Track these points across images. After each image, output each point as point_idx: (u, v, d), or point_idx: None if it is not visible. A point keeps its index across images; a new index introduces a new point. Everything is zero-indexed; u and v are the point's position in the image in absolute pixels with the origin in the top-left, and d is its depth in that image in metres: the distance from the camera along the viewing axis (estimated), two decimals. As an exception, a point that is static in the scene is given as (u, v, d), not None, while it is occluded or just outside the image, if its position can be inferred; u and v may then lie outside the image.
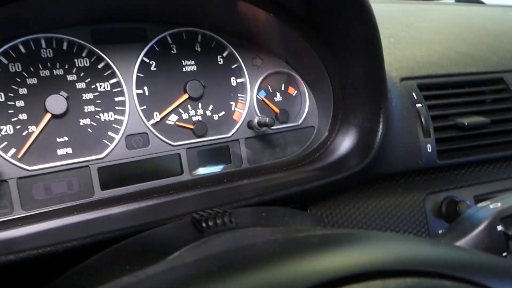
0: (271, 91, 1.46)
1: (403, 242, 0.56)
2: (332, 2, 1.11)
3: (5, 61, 1.12)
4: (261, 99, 1.44)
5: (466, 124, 1.42)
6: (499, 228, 0.92)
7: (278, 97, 1.47)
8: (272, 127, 1.41)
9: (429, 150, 1.40)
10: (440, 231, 1.46)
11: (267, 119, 1.33)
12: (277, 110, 1.45)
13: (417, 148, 1.39)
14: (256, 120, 1.37)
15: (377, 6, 1.14)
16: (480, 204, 1.04)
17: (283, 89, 1.48)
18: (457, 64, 1.57)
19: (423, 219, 1.45)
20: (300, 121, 1.49)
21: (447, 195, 1.49)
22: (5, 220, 1.08)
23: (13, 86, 1.13)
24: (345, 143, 1.39)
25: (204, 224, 0.74)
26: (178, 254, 0.64)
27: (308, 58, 1.36)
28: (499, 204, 0.98)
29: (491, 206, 0.99)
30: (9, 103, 1.12)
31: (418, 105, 1.41)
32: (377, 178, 1.41)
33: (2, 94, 1.12)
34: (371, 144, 1.29)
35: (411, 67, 1.50)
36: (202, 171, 1.34)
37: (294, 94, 1.50)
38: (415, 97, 1.42)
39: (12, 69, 1.13)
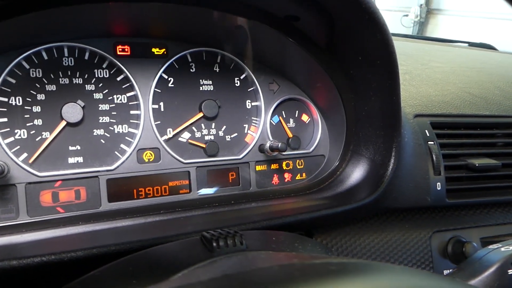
0: (284, 116, 1.46)
1: (420, 277, 0.55)
2: (356, 37, 1.12)
3: (27, 66, 1.13)
4: (274, 124, 1.44)
5: (476, 165, 1.41)
6: (510, 272, 0.91)
7: (291, 123, 1.48)
8: (283, 153, 1.41)
9: (439, 188, 1.39)
10: (445, 271, 1.44)
11: (280, 144, 1.34)
12: (290, 135, 1.45)
13: (426, 185, 1.38)
14: (268, 144, 1.37)
15: (395, 43, 1.15)
16: (490, 246, 1.02)
17: (296, 115, 1.49)
18: (471, 105, 1.58)
19: (429, 257, 1.43)
20: (311, 149, 1.49)
21: (453, 235, 1.47)
22: (10, 225, 1.08)
23: (31, 91, 1.14)
24: (355, 174, 1.38)
25: (214, 244, 0.73)
26: (188, 271, 0.63)
27: (325, 87, 1.37)
28: (510, 248, 0.97)
29: (502, 249, 0.98)
30: (26, 107, 1.13)
31: (430, 142, 1.41)
32: (385, 211, 1.40)
33: (20, 98, 1.12)
34: (381, 178, 1.29)
35: (425, 104, 1.51)
36: (211, 191, 1.33)
37: (307, 122, 1.50)
38: (428, 135, 1.42)
39: (32, 74, 1.14)
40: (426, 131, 1.43)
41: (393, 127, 1.27)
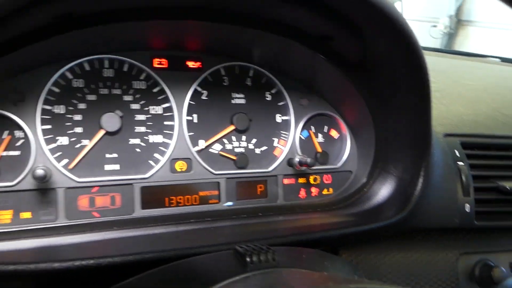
0: (313, 131, 1.48)
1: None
2: (389, 58, 1.14)
3: (70, 76, 1.19)
4: (303, 138, 1.46)
5: (508, 188, 1.40)
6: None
7: (320, 138, 1.50)
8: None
9: (467, 210, 1.38)
10: (471, 295, 1.43)
11: (309, 160, 1.36)
12: (319, 150, 1.47)
13: (455, 206, 1.37)
14: (297, 159, 1.39)
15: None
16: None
17: (325, 130, 1.50)
18: (503, 126, 1.56)
19: (455, 279, 1.42)
20: (338, 164, 1.50)
21: (481, 258, 1.46)
22: (50, 227, 1.13)
23: (73, 101, 1.19)
24: (382, 191, 1.39)
25: (248, 259, 0.75)
26: (223, 285, 0.66)
27: (355, 104, 1.39)
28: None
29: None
30: (68, 116, 1.18)
31: (460, 163, 1.40)
32: (411, 231, 1.40)
33: (63, 107, 1.18)
34: (409, 197, 1.29)
35: (455, 124, 1.51)
36: (239, 202, 1.36)
37: (335, 137, 1.52)
38: (458, 155, 1.42)
39: (75, 84, 1.19)
40: (456, 151, 1.43)
41: (423, 146, 1.27)
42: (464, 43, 7.32)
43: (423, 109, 1.20)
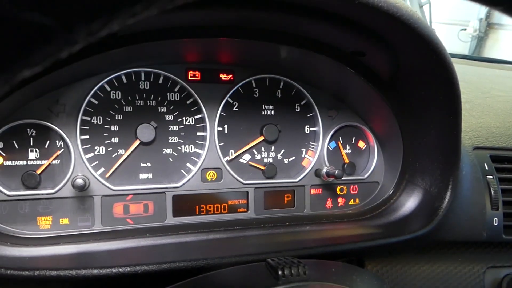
0: (341, 142, 1.50)
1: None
2: (421, 74, 1.15)
3: (108, 89, 1.24)
4: (331, 149, 1.48)
5: (537, 202, 1.39)
6: None
7: (347, 149, 1.51)
8: (339, 178, 1.45)
9: (496, 224, 1.38)
10: (498, 310, 1.42)
11: (337, 171, 1.38)
12: (347, 160, 1.49)
13: (483, 219, 1.37)
14: (324, 170, 1.42)
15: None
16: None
17: (353, 142, 1.52)
18: (534, 140, 1.54)
19: (481, 293, 1.42)
20: (365, 175, 1.52)
21: (509, 272, 1.45)
22: (86, 233, 1.18)
23: (111, 112, 1.24)
24: (409, 204, 1.40)
25: (280, 272, 0.78)
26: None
27: (384, 116, 1.40)
28: None
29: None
30: (105, 126, 1.24)
31: (489, 176, 1.40)
32: (438, 243, 1.40)
33: (101, 118, 1.23)
34: (436, 210, 1.29)
35: (485, 136, 1.50)
36: (267, 211, 1.39)
37: (363, 148, 1.53)
38: (487, 168, 1.41)
39: (113, 96, 1.25)
40: (485, 164, 1.42)
41: (452, 160, 1.27)
42: (495, 46, 7.16)
43: (453, 123, 1.21)
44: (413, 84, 1.21)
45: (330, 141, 1.48)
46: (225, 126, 1.37)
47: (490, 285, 1.43)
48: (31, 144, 1.17)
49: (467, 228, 1.36)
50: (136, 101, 1.27)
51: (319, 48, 1.20)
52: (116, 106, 1.25)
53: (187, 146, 1.32)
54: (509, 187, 1.43)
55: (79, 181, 1.13)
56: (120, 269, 0.95)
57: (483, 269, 1.43)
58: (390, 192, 1.47)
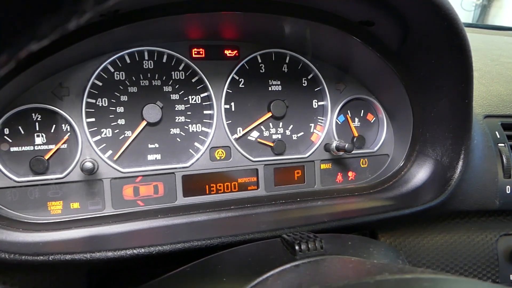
0: (350, 116, 1.48)
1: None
2: (432, 42, 1.12)
3: (112, 70, 1.22)
4: (339, 123, 1.46)
5: (550, 168, 1.37)
6: None
7: (356, 122, 1.49)
8: (348, 152, 1.43)
9: (508, 192, 1.37)
10: (511, 276, 1.42)
11: (346, 145, 1.36)
12: (356, 134, 1.47)
13: (495, 188, 1.36)
14: (334, 144, 1.40)
15: None
16: None
17: (362, 115, 1.50)
18: (545, 105, 1.52)
19: (494, 260, 1.42)
20: (375, 148, 1.50)
21: (522, 239, 1.44)
22: (98, 216, 1.17)
23: (116, 93, 1.22)
24: (420, 175, 1.38)
25: (297, 247, 0.77)
26: (276, 274, 0.68)
27: (392, 87, 1.37)
28: None
29: None
30: (111, 108, 1.22)
31: (501, 144, 1.38)
32: (451, 213, 1.40)
33: (106, 100, 1.21)
34: (448, 180, 1.28)
35: (495, 104, 1.47)
36: (277, 188, 1.38)
37: (372, 121, 1.51)
38: (498, 136, 1.39)
39: (116, 77, 1.22)
40: (497, 132, 1.40)
41: (463, 129, 1.25)
42: (498, 14, 7.02)
43: (464, 91, 1.18)
44: (423, 52, 1.18)
45: (338, 115, 1.46)
46: (232, 104, 1.35)
47: (503, 252, 1.42)
48: (37, 129, 1.15)
49: (480, 197, 1.35)
50: (141, 81, 1.25)
51: (325, 19, 1.16)
52: (120, 87, 1.23)
53: (194, 125, 1.31)
54: (521, 154, 1.41)
55: (88, 165, 1.12)
56: (135, 251, 0.94)
57: (496, 237, 1.43)
58: (401, 164, 1.45)
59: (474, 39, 2.11)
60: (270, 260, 0.76)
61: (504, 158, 1.36)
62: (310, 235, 0.83)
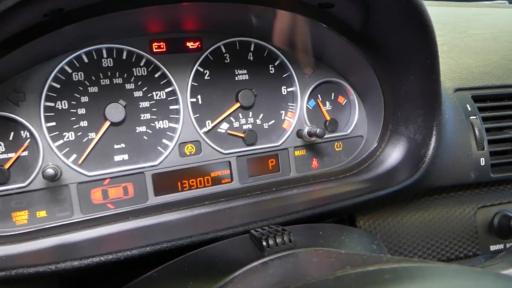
0: (320, 100, 1.46)
1: (479, 277, 0.56)
2: (393, 19, 1.09)
3: (69, 70, 1.17)
4: (310, 108, 1.44)
5: (523, 137, 1.37)
6: None
7: (328, 106, 1.47)
8: (321, 137, 1.41)
9: (482, 164, 1.37)
10: (491, 247, 1.43)
11: (318, 130, 1.34)
12: (328, 118, 1.45)
13: (469, 161, 1.35)
14: (306, 130, 1.38)
15: (428, 9, 1.09)
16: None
17: (332, 98, 1.48)
18: (515, 74, 1.51)
19: (474, 233, 1.42)
20: (348, 131, 1.48)
21: (499, 210, 1.45)
22: (66, 224, 1.14)
23: (75, 94, 1.18)
24: (395, 154, 1.37)
25: (264, 243, 0.75)
26: (242, 273, 0.66)
27: (360, 68, 1.35)
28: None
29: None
30: (71, 110, 1.17)
31: (472, 117, 1.38)
32: (427, 191, 1.39)
33: (66, 102, 1.17)
34: (422, 157, 1.27)
35: (465, 77, 1.47)
36: (252, 179, 1.36)
37: (343, 103, 1.49)
38: (469, 109, 1.39)
39: (75, 78, 1.18)
40: (468, 105, 1.40)
41: (433, 105, 1.24)
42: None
43: (431, 67, 1.17)
44: (386, 31, 1.15)
45: (309, 100, 1.43)
46: (198, 97, 1.31)
47: (482, 224, 1.43)
48: (-6, 138, 1.10)
49: (455, 171, 1.34)
50: (101, 80, 1.20)
51: (287, 4, 1.13)
52: (80, 88, 1.18)
53: (160, 121, 1.27)
54: (493, 126, 1.41)
55: (49, 171, 1.08)
56: (102, 258, 0.91)
57: (474, 210, 1.43)
58: (375, 145, 1.44)
59: (442, 12, 2.10)
60: (238, 259, 0.74)
61: (476, 130, 1.36)
62: (279, 228, 0.81)
